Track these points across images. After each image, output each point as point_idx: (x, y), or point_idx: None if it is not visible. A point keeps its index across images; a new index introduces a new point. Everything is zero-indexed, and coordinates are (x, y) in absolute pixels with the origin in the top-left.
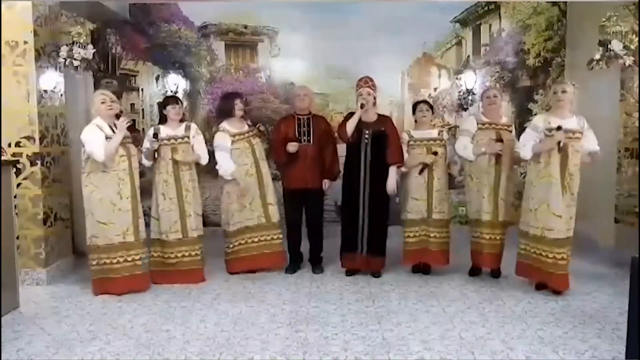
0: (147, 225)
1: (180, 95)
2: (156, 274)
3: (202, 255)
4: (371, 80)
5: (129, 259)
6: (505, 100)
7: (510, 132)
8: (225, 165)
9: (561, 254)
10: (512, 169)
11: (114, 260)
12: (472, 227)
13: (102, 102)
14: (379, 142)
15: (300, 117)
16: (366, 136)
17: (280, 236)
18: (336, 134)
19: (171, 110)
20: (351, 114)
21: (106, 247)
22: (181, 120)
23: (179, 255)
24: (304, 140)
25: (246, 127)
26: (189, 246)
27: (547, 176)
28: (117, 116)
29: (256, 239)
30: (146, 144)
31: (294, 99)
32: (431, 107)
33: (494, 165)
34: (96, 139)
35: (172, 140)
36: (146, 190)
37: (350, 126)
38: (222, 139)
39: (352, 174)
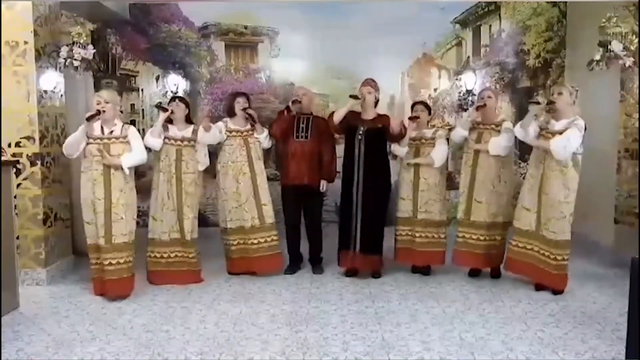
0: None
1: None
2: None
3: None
4: (373, 81)
5: (99, 261)
6: (505, 101)
7: (498, 131)
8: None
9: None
10: (500, 168)
11: (96, 261)
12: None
13: (97, 104)
14: (374, 139)
15: (301, 115)
16: (360, 132)
17: (276, 237)
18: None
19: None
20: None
21: (90, 247)
22: (187, 121)
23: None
24: (301, 137)
25: (247, 127)
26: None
27: (528, 174)
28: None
29: (254, 241)
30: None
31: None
32: (428, 107)
33: (470, 165)
34: (75, 133)
35: (178, 142)
36: (147, 190)
37: (339, 114)
38: (219, 123)
39: (348, 171)
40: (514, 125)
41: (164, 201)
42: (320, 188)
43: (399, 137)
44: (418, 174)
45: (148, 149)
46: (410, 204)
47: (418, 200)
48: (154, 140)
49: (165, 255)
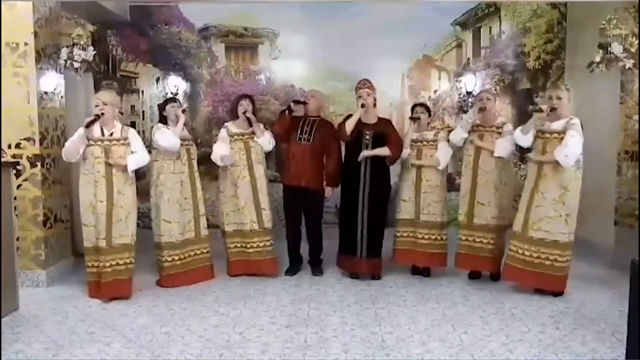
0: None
1: (180, 97)
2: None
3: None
4: (369, 82)
5: (107, 264)
6: (505, 103)
7: (499, 133)
8: (216, 151)
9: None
10: (501, 170)
11: (95, 264)
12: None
13: (96, 105)
14: (379, 143)
15: (307, 118)
16: (367, 137)
17: (272, 242)
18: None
19: (170, 110)
20: (350, 115)
21: (87, 250)
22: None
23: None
24: (304, 139)
25: (250, 130)
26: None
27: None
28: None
29: (252, 244)
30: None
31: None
32: (427, 109)
33: (471, 167)
34: (73, 138)
35: (186, 142)
36: (147, 192)
37: (350, 125)
38: (220, 133)
39: (351, 176)
40: (514, 129)
41: (179, 202)
42: (326, 194)
43: (395, 159)
44: (420, 175)
45: (149, 150)
46: (412, 205)
47: (420, 202)
48: (177, 140)
49: (182, 257)
